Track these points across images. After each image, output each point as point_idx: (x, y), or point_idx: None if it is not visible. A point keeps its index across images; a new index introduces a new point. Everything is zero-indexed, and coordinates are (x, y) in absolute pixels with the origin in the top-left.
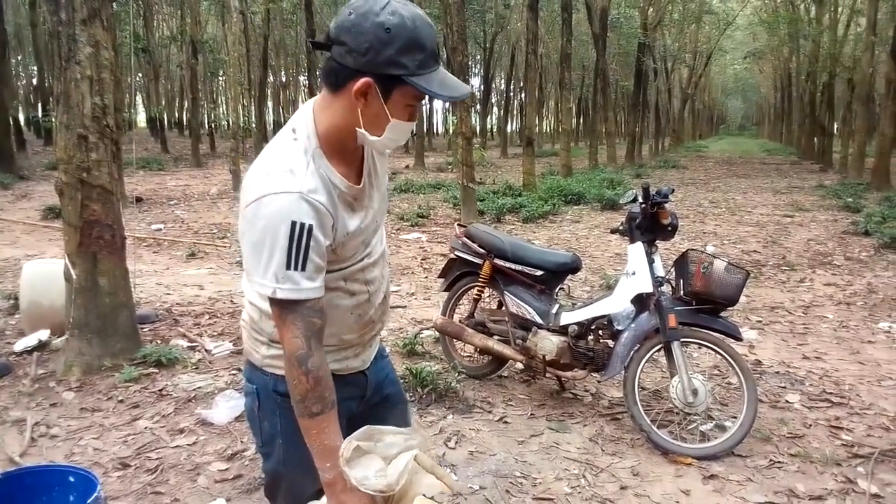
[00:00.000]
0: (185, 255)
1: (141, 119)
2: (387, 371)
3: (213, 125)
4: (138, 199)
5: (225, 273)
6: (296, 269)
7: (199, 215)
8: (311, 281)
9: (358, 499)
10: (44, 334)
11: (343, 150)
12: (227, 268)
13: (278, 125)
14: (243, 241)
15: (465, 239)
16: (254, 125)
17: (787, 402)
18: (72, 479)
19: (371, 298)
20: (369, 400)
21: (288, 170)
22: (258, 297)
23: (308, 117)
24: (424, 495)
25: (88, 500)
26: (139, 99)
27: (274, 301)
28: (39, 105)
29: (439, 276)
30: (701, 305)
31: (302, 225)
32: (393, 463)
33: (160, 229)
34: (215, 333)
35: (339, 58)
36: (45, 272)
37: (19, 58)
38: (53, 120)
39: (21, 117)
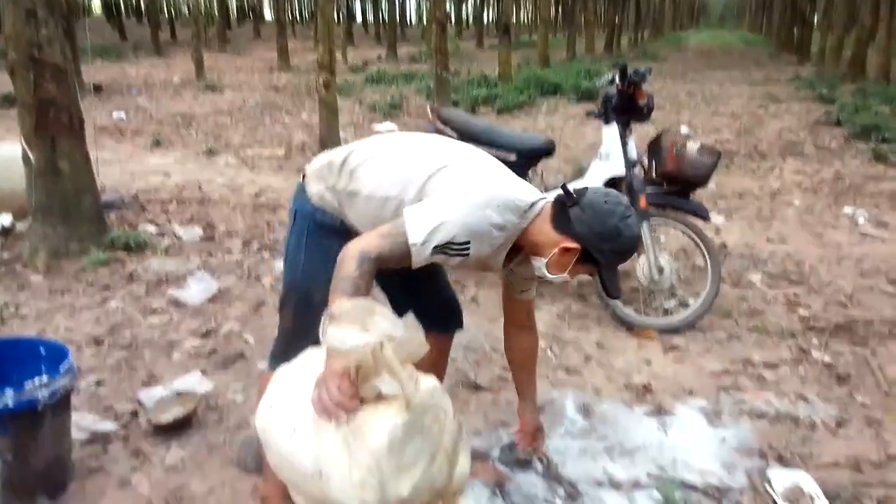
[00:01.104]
0: (149, 144)
1: (96, 6)
2: None
3: (172, 11)
4: (97, 88)
5: (191, 161)
6: (436, 247)
7: (162, 104)
8: (427, 258)
9: (338, 359)
10: (6, 219)
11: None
12: (192, 156)
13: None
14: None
15: (437, 123)
16: (216, 12)
17: (748, 280)
18: (42, 350)
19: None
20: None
21: (505, 208)
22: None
23: (531, 221)
24: (394, 369)
25: (61, 367)
26: None
27: (404, 235)
28: None
29: None
30: (672, 187)
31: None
32: (371, 324)
33: (122, 118)
34: (184, 220)
35: (573, 217)
36: (4, 156)
37: None
38: None
39: None
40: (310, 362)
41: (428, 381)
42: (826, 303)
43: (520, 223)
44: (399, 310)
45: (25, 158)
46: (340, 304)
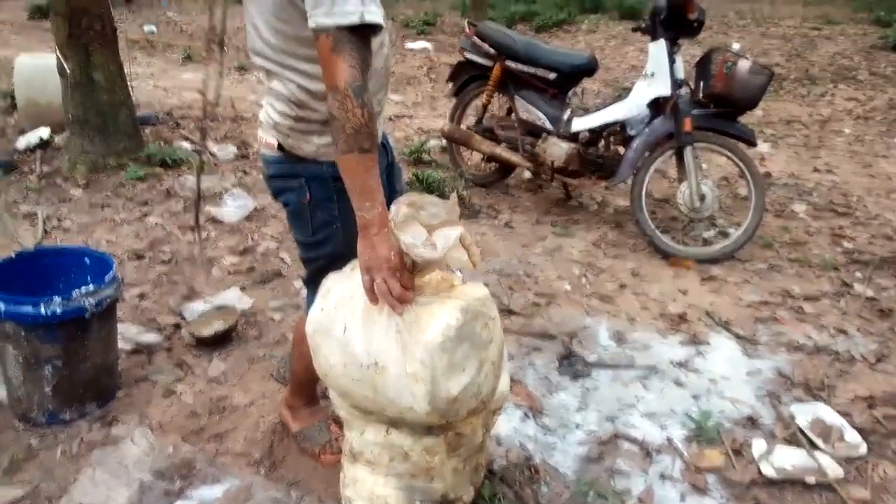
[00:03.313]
0: (181, 59)
1: None
2: (386, 138)
3: None
4: (128, 0)
5: (224, 78)
6: None
7: (192, 17)
8: (379, 7)
9: (389, 245)
10: (45, 132)
11: None
12: (225, 72)
13: None
14: None
15: (475, 38)
16: None
17: (792, 211)
18: (87, 259)
19: (388, 49)
20: (386, 169)
21: None
22: (307, 77)
23: None
24: (449, 267)
25: (106, 277)
26: None
27: (349, 30)
28: None
29: (447, 81)
30: (718, 109)
31: None
32: (437, 234)
33: (153, 32)
34: (219, 138)
35: None
36: (39, 67)
37: None
38: None
39: None
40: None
41: (480, 290)
42: (872, 236)
43: None
44: None
45: (60, 69)
46: (396, 208)
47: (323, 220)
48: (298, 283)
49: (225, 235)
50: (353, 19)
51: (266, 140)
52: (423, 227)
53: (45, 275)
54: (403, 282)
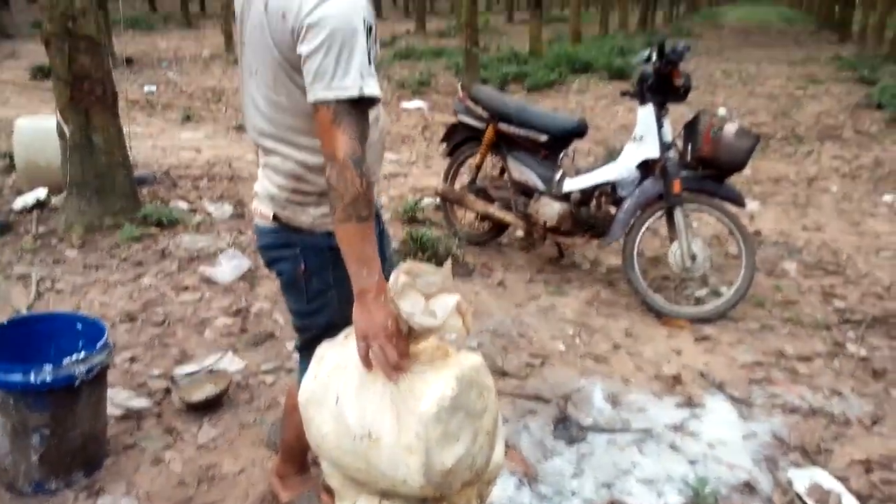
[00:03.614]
0: (180, 119)
1: None
2: (378, 205)
3: None
4: (128, 61)
5: (221, 137)
6: (370, 66)
7: (191, 78)
8: (377, 81)
9: (386, 312)
10: (42, 192)
11: None
12: (223, 132)
13: None
14: (312, 48)
15: (468, 102)
16: None
17: (783, 270)
18: (79, 325)
19: (385, 121)
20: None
21: None
22: (305, 151)
23: None
24: (443, 333)
25: (97, 343)
26: None
27: (348, 103)
28: None
29: (441, 141)
30: (707, 171)
31: (368, 23)
32: (435, 302)
33: (153, 92)
34: (215, 197)
35: None
36: (39, 129)
37: None
38: None
39: None
40: (352, 335)
41: (474, 358)
42: (863, 294)
43: None
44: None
45: (60, 132)
46: (395, 277)
47: (317, 288)
48: (291, 345)
49: (218, 296)
50: (353, 93)
51: (261, 211)
52: (421, 294)
53: (36, 340)
54: (399, 349)
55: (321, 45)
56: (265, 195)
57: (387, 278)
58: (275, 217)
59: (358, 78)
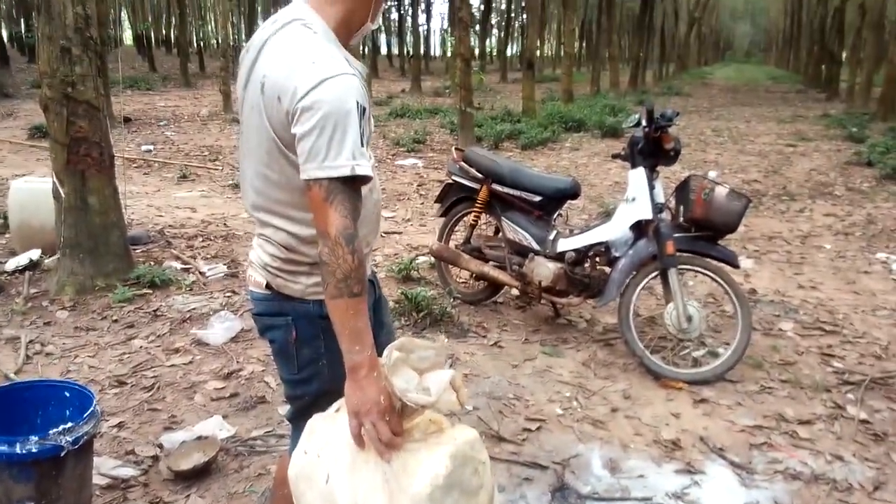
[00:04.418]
0: (176, 177)
1: (127, 36)
2: (374, 274)
3: (202, 43)
4: (126, 120)
5: (217, 196)
6: (363, 146)
7: (189, 137)
8: (368, 160)
9: (378, 388)
10: (35, 254)
11: (343, 43)
12: (219, 190)
13: None
14: (306, 129)
15: (462, 163)
16: (244, 44)
17: (780, 329)
18: (67, 393)
19: (378, 195)
20: (373, 304)
21: (331, 56)
22: (297, 224)
23: (311, 14)
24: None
25: (84, 414)
26: (125, 15)
27: (340, 181)
28: (22, 21)
29: (436, 202)
30: (700, 232)
31: (361, 105)
32: (428, 378)
33: (150, 150)
34: (209, 256)
35: None
36: (34, 190)
37: None
38: (36, 32)
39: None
40: (343, 408)
41: (468, 432)
42: (861, 355)
43: (332, 41)
44: None
45: (56, 194)
46: (388, 353)
47: (309, 357)
48: (282, 410)
49: (209, 359)
50: (345, 172)
51: (255, 279)
52: (414, 370)
53: (23, 409)
54: (392, 427)
55: (315, 127)
56: (259, 264)
57: (387, 343)
58: (268, 285)
59: (350, 158)
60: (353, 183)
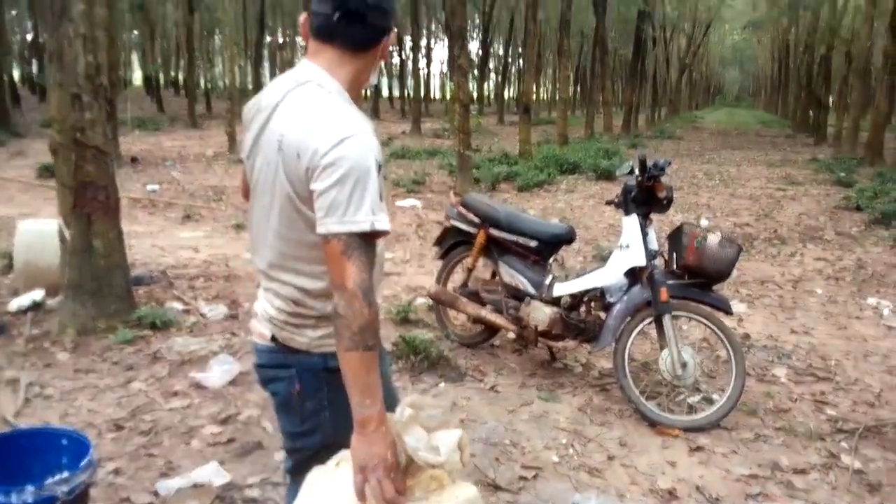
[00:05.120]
0: (180, 218)
1: (136, 77)
2: None
3: (209, 85)
4: (133, 160)
5: (220, 236)
6: (381, 202)
7: (194, 177)
8: (386, 215)
9: (386, 443)
10: (38, 294)
11: (353, 99)
12: (221, 231)
13: None
14: (327, 185)
15: (460, 208)
16: (250, 86)
17: (773, 375)
18: (64, 441)
19: (383, 245)
20: None
21: (349, 114)
22: (306, 278)
23: (324, 75)
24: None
25: (81, 463)
26: (135, 57)
27: (359, 236)
28: (34, 61)
29: (434, 245)
30: (693, 279)
31: (379, 162)
32: (437, 436)
33: (155, 190)
34: (210, 297)
35: (377, 21)
36: (41, 232)
37: (14, 13)
38: (47, 79)
39: (16, 74)
40: (344, 461)
41: (469, 490)
42: (854, 402)
43: (347, 101)
44: None
45: (62, 237)
46: (401, 410)
47: (312, 409)
48: (279, 456)
49: (207, 402)
50: (365, 227)
51: (259, 330)
52: (423, 428)
53: (20, 456)
54: (397, 484)
55: (336, 183)
56: (265, 316)
57: (386, 393)
58: (273, 338)
59: (370, 213)
60: (371, 237)
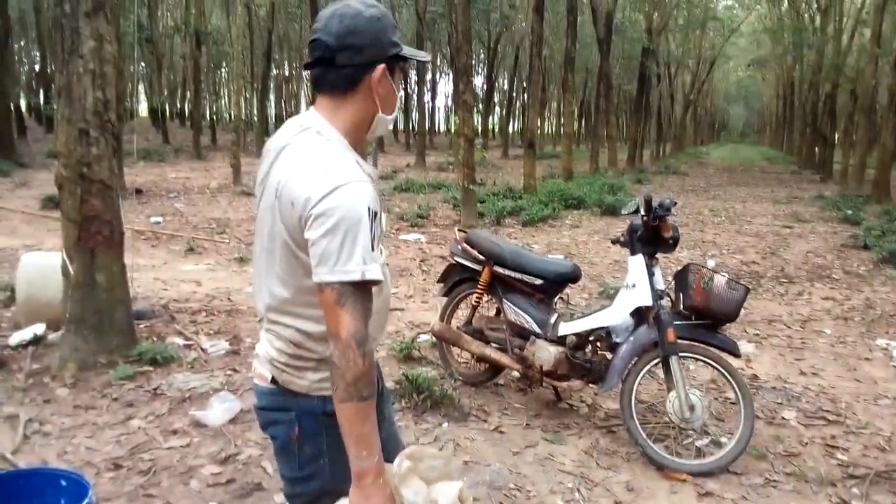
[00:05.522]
0: (183, 250)
1: (143, 109)
2: (378, 367)
3: (214, 117)
4: (138, 191)
5: (223, 269)
6: (373, 251)
7: (198, 209)
8: (379, 263)
9: (384, 496)
10: (39, 328)
11: (355, 146)
12: (224, 264)
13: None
14: (319, 234)
15: (464, 245)
16: (255, 119)
17: (783, 418)
18: (63, 482)
19: (388, 290)
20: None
21: (344, 163)
22: (306, 321)
23: (322, 123)
24: None
25: None
26: (141, 88)
27: (351, 285)
28: (41, 91)
29: (438, 281)
30: (700, 320)
31: (373, 210)
32: (437, 489)
33: (159, 222)
34: (212, 332)
35: (348, 61)
36: (43, 265)
37: (22, 43)
38: (55, 113)
39: (22, 103)
40: None
41: None
42: (865, 447)
43: (345, 148)
44: None
45: (65, 271)
46: (400, 461)
47: (311, 454)
48: (279, 499)
49: (207, 441)
50: (355, 276)
51: (260, 372)
52: (423, 480)
53: (18, 497)
54: None
55: (327, 233)
56: (266, 358)
57: (388, 436)
58: (273, 380)
59: (360, 263)
60: (364, 286)
